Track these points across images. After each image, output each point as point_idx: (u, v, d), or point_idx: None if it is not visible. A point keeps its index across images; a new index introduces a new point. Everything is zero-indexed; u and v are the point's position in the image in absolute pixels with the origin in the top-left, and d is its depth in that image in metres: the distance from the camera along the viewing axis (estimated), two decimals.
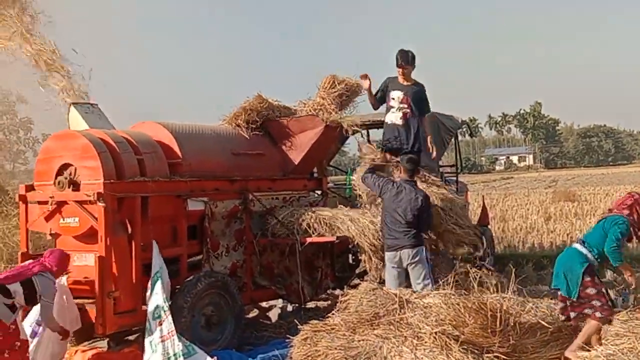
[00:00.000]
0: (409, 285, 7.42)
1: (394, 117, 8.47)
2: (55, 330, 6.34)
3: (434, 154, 8.62)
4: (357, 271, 9.80)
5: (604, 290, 6.30)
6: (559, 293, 6.44)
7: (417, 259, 7.42)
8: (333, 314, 6.94)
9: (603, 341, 5.95)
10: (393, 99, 8.49)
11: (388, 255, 7.57)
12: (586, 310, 6.18)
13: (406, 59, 8.35)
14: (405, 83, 8.47)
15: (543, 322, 6.14)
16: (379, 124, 9.54)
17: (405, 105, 8.45)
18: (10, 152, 25.72)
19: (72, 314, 6.72)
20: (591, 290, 6.17)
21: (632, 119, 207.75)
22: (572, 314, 6.32)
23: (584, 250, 6.35)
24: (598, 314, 6.08)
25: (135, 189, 7.00)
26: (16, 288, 5.91)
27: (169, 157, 7.56)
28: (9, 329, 5.82)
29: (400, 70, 8.41)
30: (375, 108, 8.78)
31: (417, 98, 8.48)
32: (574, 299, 6.22)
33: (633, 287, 6.73)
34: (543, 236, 16.01)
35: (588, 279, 6.19)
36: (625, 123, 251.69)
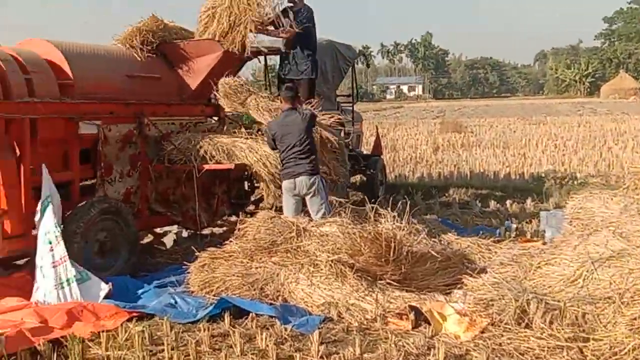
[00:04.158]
0: (306, 214, 7.53)
1: (280, 42, 9.06)
2: None
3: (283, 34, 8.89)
4: (252, 198, 9.85)
5: None
6: None
7: (314, 188, 7.50)
8: (230, 241, 6.99)
9: (489, 269, 6.28)
10: (284, 26, 8.86)
11: (285, 184, 7.62)
12: None
13: None
14: (295, 8, 8.92)
15: (433, 252, 6.40)
16: (275, 50, 9.53)
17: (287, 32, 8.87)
18: None
19: None
20: None
21: (517, 53, 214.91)
22: None
23: None
24: None
25: (23, 110, 6.66)
26: None
27: (59, 77, 7.19)
28: None
29: None
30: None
31: (299, 21, 8.87)
32: None
33: None
34: (431, 166, 16.53)
35: None
36: (511, 57, 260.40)
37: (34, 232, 6.61)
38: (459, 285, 6.11)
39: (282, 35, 8.89)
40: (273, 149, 7.78)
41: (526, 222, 9.72)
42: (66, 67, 7.30)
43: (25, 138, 6.66)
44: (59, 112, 7.07)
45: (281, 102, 8.04)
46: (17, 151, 6.64)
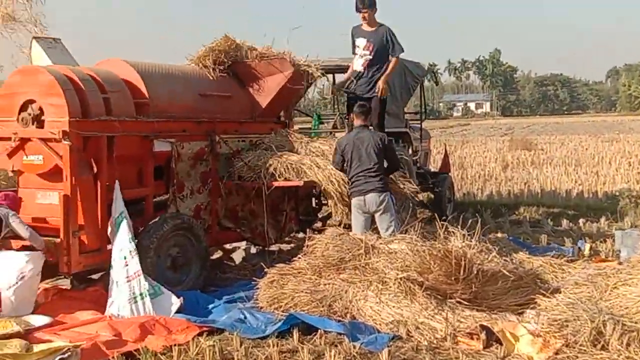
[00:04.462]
0: (375, 231, 7.51)
1: (357, 65, 8.64)
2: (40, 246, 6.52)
3: (380, 93, 8.48)
4: (319, 215, 9.90)
5: None
6: None
7: (383, 205, 7.49)
8: (299, 257, 7.03)
9: (563, 289, 6.13)
10: (358, 46, 8.64)
11: (354, 201, 7.63)
12: None
13: (363, 2, 8.39)
14: (368, 29, 8.58)
15: (504, 271, 6.29)
16: (345, 69, 9.49)
17: (368, 52, 8.58)
18: None
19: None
20: None
21: (588, 69, 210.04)
22: None
23: None
24: None
25: (101, 128, 6.87)
26: None
27: (135, 96, 7.40)
28: None
29: (360, 15, 8.51)
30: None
31: (380, 42, 8.51)
32: None
33: None
34: (501, 184, 16.29)
35: None
36: (582, 73, 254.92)
37: (109, 247, 6.80)
38: (531, 305, 5.98)
39: (392, 68, 8.56)
40: (339, 168, 7.77)
41: (600, 242, 9.47)
42: (142, 87, 7.50)
43: (102, 155, 6.87)
44: (134, 130, 7.26)
45: (353, 118, 8.09)
46: (94, 168, 6.86)
